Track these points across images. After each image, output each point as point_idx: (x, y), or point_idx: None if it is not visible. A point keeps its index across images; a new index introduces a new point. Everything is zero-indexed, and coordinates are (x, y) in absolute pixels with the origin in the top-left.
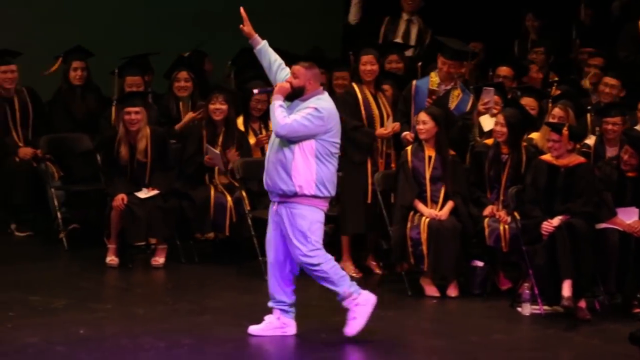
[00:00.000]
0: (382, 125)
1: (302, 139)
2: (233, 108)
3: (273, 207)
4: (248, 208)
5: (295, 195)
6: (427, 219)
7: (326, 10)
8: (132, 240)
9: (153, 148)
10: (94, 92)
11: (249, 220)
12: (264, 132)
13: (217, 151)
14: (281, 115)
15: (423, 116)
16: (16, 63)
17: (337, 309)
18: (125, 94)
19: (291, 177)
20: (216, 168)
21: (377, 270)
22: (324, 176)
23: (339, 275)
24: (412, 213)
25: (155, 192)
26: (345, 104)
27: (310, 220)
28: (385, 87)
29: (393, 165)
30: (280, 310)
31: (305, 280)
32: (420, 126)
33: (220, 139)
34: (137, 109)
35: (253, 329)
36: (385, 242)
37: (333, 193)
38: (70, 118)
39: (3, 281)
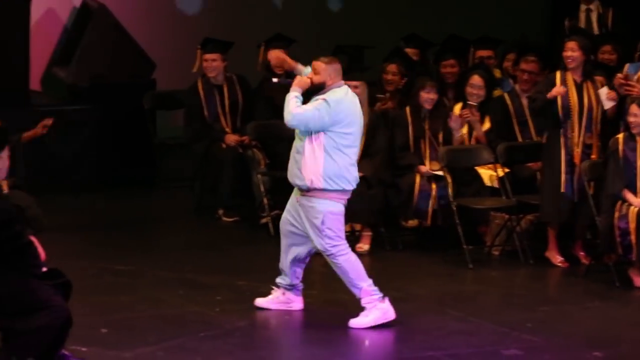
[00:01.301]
0: (580, 116)
1: (313, 130)
2: (442, 97)
3: (295, 197)
4: (453, 194)
5: (308, 189)
6: (636, 209)
7: None
8: None
9: (368, 126)
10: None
11: (454, 208)
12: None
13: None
14: (294, 105)
15: (635, 108)
16: (225, 52)
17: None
18: (348, 67)
19: (301, 172)
20: (427, 155)
21: (584, 261)
22: (332, 170)
23: (357, 272)
24: (620, 203)
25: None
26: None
27: (323, 213)
28: (599, 78)
29: (593, 156)
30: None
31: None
32: (632, 119)
33: (427, 126)
34: (355, 83)
35: (259, 302)
36: (589, 232)
37: (346, 187)
38: (270, 107)
39: (211, 266)
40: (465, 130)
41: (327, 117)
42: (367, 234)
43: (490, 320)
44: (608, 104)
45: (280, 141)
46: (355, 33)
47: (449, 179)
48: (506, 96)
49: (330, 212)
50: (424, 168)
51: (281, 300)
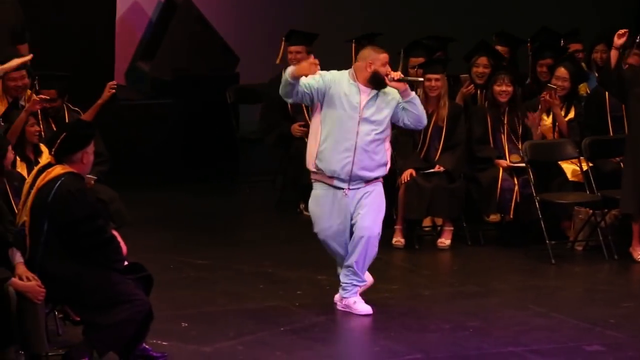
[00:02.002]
0: None
1: None
2: (519, 89)
3: (343, 192)
4: (535, 188)
5: (378, 177)
6: None
7: None
8: (411, 216)
9: (449, 117)
10: None
11: (537, 203)
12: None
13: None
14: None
15: None
16: (310, 44)
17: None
18: (428, 61)
19: (386, 163)
20: (506, 149)
21: None
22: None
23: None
24: None
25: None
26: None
27: (384, 198)
28: None
29: None
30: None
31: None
32: None
33: (505, 120)
34: (437, 76)
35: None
36: None
37: None
38: None
39: (292, 260)
40: (549, 121)
41: None
42: (449, 228)
43: (573, 316)
44: None
45: None
46: (437, 27)
47: (532, 174)
48: None
49: None
50: (504, 162)
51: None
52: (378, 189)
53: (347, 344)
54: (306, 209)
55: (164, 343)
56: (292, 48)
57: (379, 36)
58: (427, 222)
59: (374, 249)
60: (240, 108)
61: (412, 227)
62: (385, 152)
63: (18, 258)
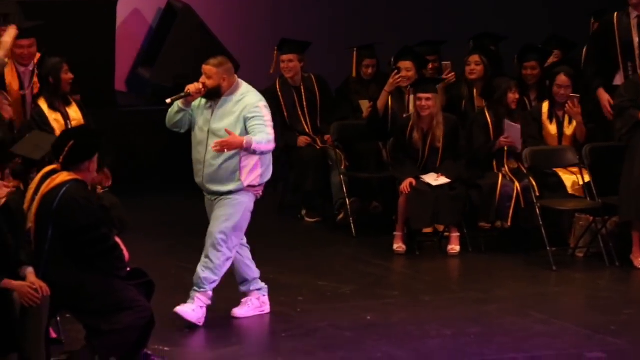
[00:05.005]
0: None
1: None
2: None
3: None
4: (537, 194)
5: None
6: None
7: None
8: (416, 226)
9: (445, 134)
10: (380, 83)
11: (537, 209)
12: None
13: (518, 125)
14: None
15: None
16: (302, 52)
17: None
18: (419, 79)
19: (241, 177)
20: (505, 154)
21: None
22: (266, 164)
23: (221, 271)
24: None
25: (444, 180)
26: None
27: (245, 208)
28: None
29: None
30: (257, 290)
31: None
32: None
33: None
34: (428, 95)
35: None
36: None
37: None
38: (352, 108)
39: (293, 266)
40: (554, 130)
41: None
42: (456, 234)
43: (574, 323)
44: None
45: (361, 142)
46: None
47: (533, 181)
48: None
49: (249, 209)
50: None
51: (256, 305)
52: (238, 200)
53: (348, 350)
54: (307, 215)
55: (165, 349)
56: (285, 57)
57: (378, 45)
58: (430, 229)
59: (215, 254)
60: None
61: (412, 233)
62: (240, 166)
63: (30, 270)
